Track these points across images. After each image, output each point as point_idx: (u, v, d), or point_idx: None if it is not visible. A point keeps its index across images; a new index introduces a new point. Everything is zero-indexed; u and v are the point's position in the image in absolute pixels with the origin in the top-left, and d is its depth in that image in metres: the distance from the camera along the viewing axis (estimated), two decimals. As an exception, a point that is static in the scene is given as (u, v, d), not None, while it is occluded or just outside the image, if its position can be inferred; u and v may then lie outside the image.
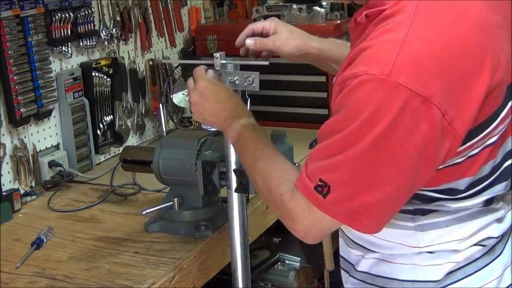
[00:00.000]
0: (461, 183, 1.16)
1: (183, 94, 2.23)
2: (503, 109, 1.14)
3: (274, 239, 2.40)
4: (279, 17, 2.65)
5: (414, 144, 1.05)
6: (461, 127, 1.07)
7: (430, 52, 1.05)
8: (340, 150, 1.08)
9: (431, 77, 1.04)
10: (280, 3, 2.74)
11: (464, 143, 1.09)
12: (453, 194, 1.17)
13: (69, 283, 1.52)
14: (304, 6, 2.58)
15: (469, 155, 1.13)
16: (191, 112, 1.46)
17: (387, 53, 1.04)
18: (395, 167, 1.07)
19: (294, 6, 2.60)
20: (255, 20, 2.78)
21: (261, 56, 1.55)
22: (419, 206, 1.19)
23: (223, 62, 1.47)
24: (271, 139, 1.69)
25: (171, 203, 1.71)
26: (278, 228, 1.94)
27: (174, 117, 2.36)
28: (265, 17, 2.72)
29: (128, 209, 1.93)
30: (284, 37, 1.51)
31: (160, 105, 1.95)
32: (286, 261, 2.43)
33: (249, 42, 1.50)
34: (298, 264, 2.42)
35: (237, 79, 1.47)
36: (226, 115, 1.39)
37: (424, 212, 1.20)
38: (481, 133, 1.12)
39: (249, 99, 1.67)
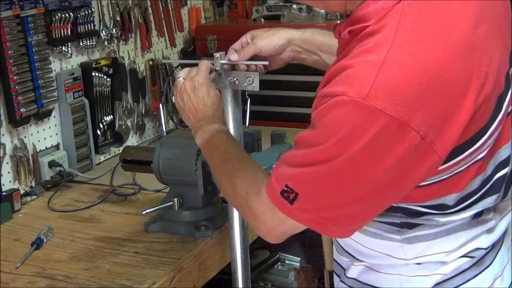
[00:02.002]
0: (450, 199, 1.13)
1: (183, 94, 2.23)
2: (492, 124, 1.10)
3: (274, 239, 2.40)
4: (279, 17, 2.66)
5: (387, 166, 1.02)
6: (442, 148, 1.03)
7: (409, 76, 1.00)
8: (311, 163, 1.07)
9: (410, 101, 1.00)
10: (280, 3, 2.74)
11: (448, 160, 1.06)
12: (441, 209, 1.14)
13: (69, 283, 1.52)
14: (304, 6, 2.58)
15: (455, 171, 1.09)
16: (174, 94, 1.45)
17: (365, 76, 1.01)
18: (364, 187, 1.05)
19: (294, 6, 2.60)
20: (255, 20, 2.78)
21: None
22: (406, 220, 1.17)
23: (223, 62, 1.46)
24: (271, 139, 1.70)
25: (171, 203, 1.71)
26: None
27: (174, 117, 2.36)
28: (265, 17, 2.74)
29: (128, 209, 1.93)
30: (263, 36, 1.49)
31: (160, 105, 1.94)
32: (286, 261, 2.43)
33: (233, 57, 1.47)
34: (298, 264, 2.42)
35: (237, 79, 1.47)
36: (203, 117, 1.39)
37: (411, 226, 1.17)
38: (467, 150, 1.08)
39: (249, 99, 1.67)
